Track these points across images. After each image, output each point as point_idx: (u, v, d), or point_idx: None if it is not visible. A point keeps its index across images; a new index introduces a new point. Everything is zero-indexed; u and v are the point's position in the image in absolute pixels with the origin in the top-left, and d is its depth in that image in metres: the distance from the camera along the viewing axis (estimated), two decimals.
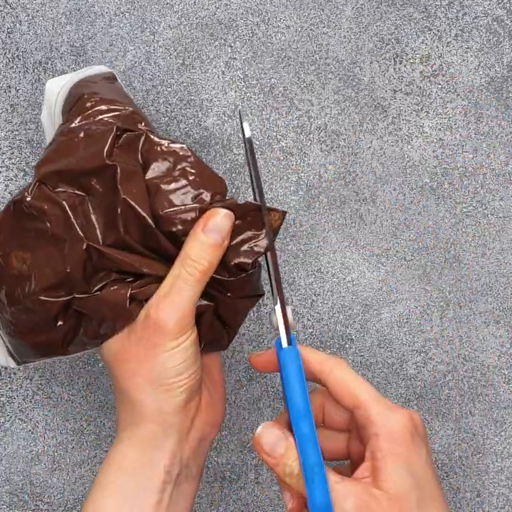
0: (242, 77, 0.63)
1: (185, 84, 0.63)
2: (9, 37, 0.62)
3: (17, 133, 0.62)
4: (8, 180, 0.62)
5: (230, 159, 0.63)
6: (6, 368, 0.63)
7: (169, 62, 0.63)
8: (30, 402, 0.63)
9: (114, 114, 0.51)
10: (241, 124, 0.50)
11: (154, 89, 0.63)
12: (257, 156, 0.63)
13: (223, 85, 0.63)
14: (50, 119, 0.55)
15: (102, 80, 0.55)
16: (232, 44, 0.63)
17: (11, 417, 0.63)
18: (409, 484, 0.44)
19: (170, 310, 0.46)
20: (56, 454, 0.63)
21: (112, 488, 0.47)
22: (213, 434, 0.51)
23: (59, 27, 0.62)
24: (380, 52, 0.63)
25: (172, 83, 0.63)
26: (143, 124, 0.51)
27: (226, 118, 0.63)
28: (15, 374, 0.63)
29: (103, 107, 0.51)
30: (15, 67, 0.62)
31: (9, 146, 0.62)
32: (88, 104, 0.51)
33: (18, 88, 0.62)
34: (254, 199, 0.49)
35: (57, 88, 0.54)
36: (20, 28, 0.62)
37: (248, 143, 0.49)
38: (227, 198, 0.49)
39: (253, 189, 0.49)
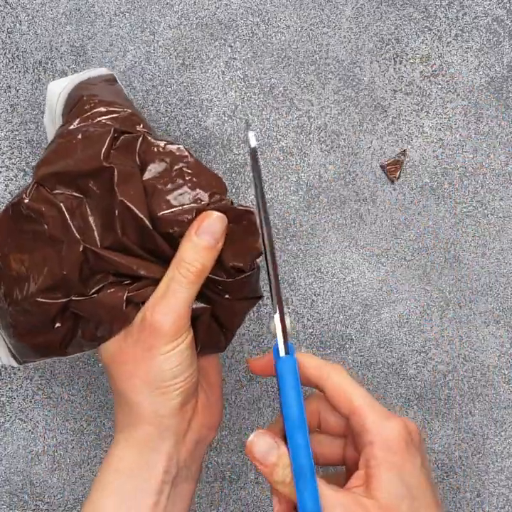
0: (242, 77, 0.63)
1: (185, 84, 0.63)
2: (9, 37, 0.62)
3: (17, 133, 0.62)
4: (8, 180, 0.62)
5: (230, 159, 0.63)
6: (6, 368, 0.63)
7: (169, 62, 0.63)
8: (30, 402, 0.63)
9: (112, 116, 0.51)
10: (246, 133, 0.50)
11: (154, 89, 0.63)
12: (256, 155, 0.63)
13: (223, 85, 0.63)
14: (52, 121, 0.55)
15: (102, 82, 0.55)
16: (232, 44, 0.63)
17: (11, 417, 0.63)
18: (402, 493, 0.44)
19: (165, 312, 0.46)
20: (56, 454, 0.63)
21: (110, 489, 0.48)
22: (211, 437, 0.51)
23: (59, 27, 0.62)
24: (380, 52, 0.63)
25: (172, 83, 0.63)
26: (141, 125, 0.51)
27: (226, 118, 0.63)
28: (15, 374, 0.63)
29: (102, 109, 0.51)
30: (15, 67, 0.62)
31: (9, 146, 0.62)
32: (87, 106, 0.51)
33: (18, 88, 0.62)
34: (258, 210, 0.49)
35: (58, 90, 0.54)
36: (20, 28, 0.62)
37: (253, 153, 0.49)
38: (227, 197, 0.49)
39: (257, 200, 0.48)
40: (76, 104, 0.52)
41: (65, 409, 0.63)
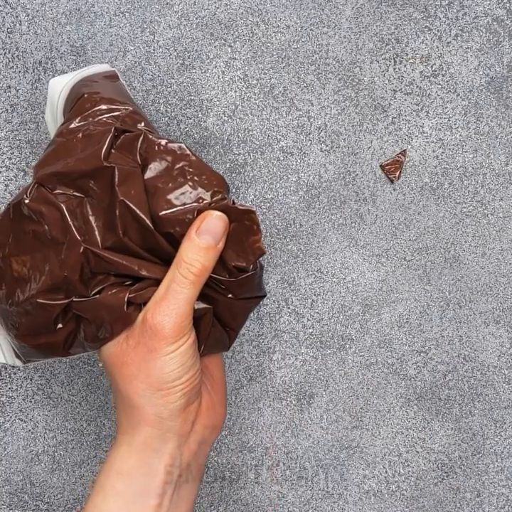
0: (242, 77, 0.63)
1: (185, 84, 0.63)
2: (9, 37, 0.62)
3: (17, 133, 0.62)
4: (8, 180, 0.62)
5: (230, 159, 0.63)
6: (6, 368, 0.63)
7: (169, 62, 0.63)
8: (30, 402, 0.63)
9: (113, 114, 0.50)
10: None
11: (154, 89, 0.63)
12: (257, 155, 0.63)
13: (223, 85, 0.63)
14: (53, 118, 0.55)
15: (104, 78, 0.54)
16: (232, 44, 0.63)
17: (11, 417, 0.63)
18: None
19: (166, 313, 0.46)
20: (56, 454, 0.63)
21: (113, 492, 0.47)
22: (214, 437, 0.51)
23: (59, 27, 0.62)
24: (380, 52, 0.63)
25: (172, 83, 0.63)
26: (142, 124, 0.50)
27: (226, 118, 0.63)
28: (15, 374, 0.63)
29: (103, 107, 0.50)
30: (15, 67, 0.62)
31: (9, 146, 0.62)
32: (88, 105, 0.51)
33: (18, 88, 0.62)
34: None
35: (59, 87, 0.54)
36: (20, 28, 0.62)
37: None
38: (229, 195, 0.49)
39: None
40: (77, 101, 0.51)
41: (65, 409, 0.63)
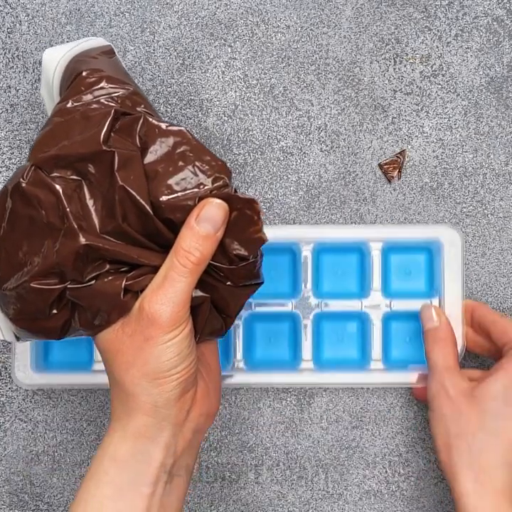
0: (242, 77, 0.63)
1: (185, 84, 0.63)
2: (9, 37, 0.62)
3: (17, 133, 0.62)
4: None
5: (230, 159, 0.63)
6: (6, 368, 0.63)
7: (169, 62, 0.63)
8: (30, 402, 0.63)
9: (112, 95, 0.49)
10: None
11: (154, 89, 0.63)
12: (257, 155, 0.63)
13: (223, 85, 0.63)
14: (49, 94, 0.53)
15: (101, 54, 0.52)
16: (232, 44, 0.63)
17: (11, 417, 0.63)
18: (495, 395, 0.55)
19: (163, 302, 0.45)
20: (56, 454, 0.63)
21: (106, 479, 0.47)
22: (208, 424, 0.51)
23: (59, 27, 0.62)
24: (380, 52, 0.63)
25: (172, 83, 0.63)
26: (142, 106, 0.49)
27: (226, 118, 0.63)
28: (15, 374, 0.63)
29: (102, 87, 0.49)
30: (15, 67, 0.62)
31: (9, 146, 0.62)
32: (86, 83, 0.49)
33: (18, 88, 0.62)
34: None
35: (55, 61, 0.51)
36: (20, 28, 0.62)
37: None
38: (231, 181, 0.47)
39: None
40: (74, 79, 0.49)
41: (65, 409, 0.63)
